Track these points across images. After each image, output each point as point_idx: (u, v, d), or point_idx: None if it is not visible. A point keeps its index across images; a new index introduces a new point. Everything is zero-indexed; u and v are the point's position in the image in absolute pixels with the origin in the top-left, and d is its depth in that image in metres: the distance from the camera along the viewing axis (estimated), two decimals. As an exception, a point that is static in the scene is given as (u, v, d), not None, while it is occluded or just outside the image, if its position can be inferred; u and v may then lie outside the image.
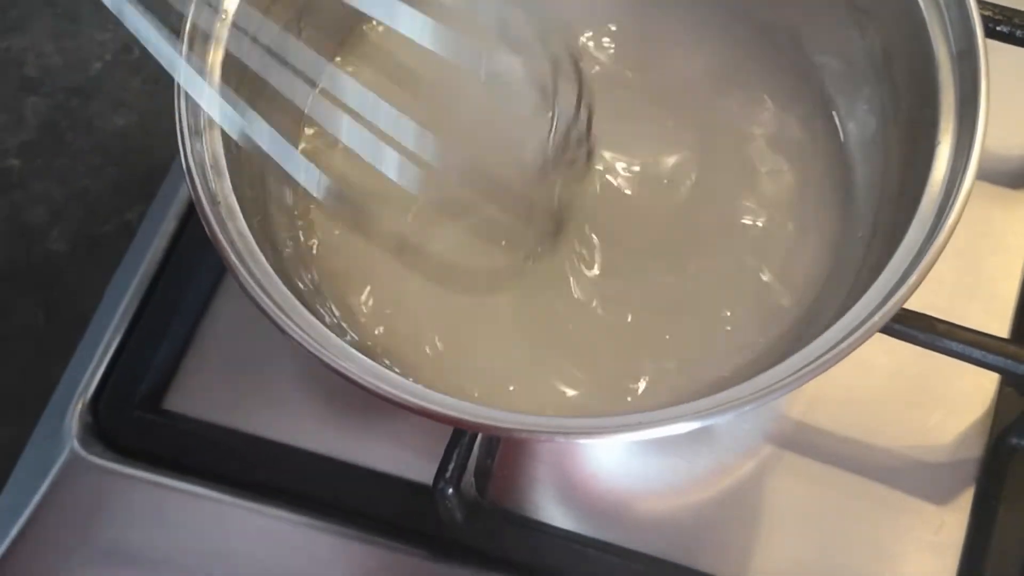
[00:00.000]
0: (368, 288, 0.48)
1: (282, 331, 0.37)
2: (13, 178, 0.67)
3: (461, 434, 0.44)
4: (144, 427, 0.50)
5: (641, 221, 0.49)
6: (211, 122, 0.41)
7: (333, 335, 0.37)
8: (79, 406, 0.50)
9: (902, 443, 0.48)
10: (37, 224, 0.66)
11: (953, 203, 0.37)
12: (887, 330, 0.43)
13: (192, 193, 0.39)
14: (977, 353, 0.43)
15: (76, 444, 0.49)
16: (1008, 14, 0.49)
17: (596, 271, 0.47)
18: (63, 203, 0.66)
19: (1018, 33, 0.49)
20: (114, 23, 0.70)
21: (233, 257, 0.38)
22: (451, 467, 0.43)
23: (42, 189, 0.66)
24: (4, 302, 0.64)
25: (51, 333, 0.63)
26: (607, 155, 0.49)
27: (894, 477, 0.48)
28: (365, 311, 0.47)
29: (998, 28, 0.49)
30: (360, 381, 0.36)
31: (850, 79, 0.47)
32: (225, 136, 0.41)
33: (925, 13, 0.42)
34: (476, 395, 0.44)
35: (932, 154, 0.39)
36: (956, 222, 0.37)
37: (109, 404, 0.50)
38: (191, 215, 0.54)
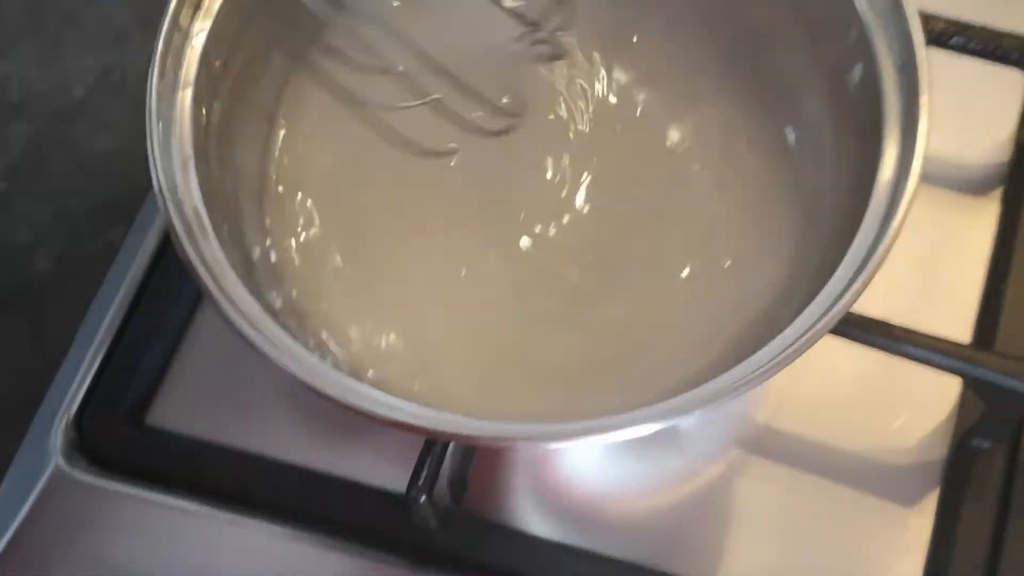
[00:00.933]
0: (344, 302, 0.49)
1: (256, 349, 0.38)
2: (-2, 200, 0.68)
3: (432, 443, 0.45)
4: (128, 442, 0.51)
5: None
6: (182, 142, 0.42)
7: (303, 349, 0.38)
8: (63, 422, 0.51)
9: (868, 446, 0.49)
10: (22, 245, 0.67)
11: (895, 210, 0.38)
12: (845, 334, 0.44)
13: (163, 214, 0.40)
14: (935, 357, 0.45)
15: (60, 460, 0.50)
16: (961, 27, 0.51)
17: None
18: (47, 224, 0.67)
19: (971, 45, 0.51)
20: (97, 47, 0.72)
21: (205, 276, 0.39)
22: (423, 475, 0.44)
23: (26, 211, 0.67)
24: (-10, 322, 0.66)
25: (36, 351, 0.64)
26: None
27: (860, 480, 0.49)
28: (341, 326, 0.48)
29: (952, 41, 0.51)
30: (328, 393, 0.37)
31: (802, 92, 0.48)
32: (198, 158, 0.42)
33: (870, 27, 0.43)
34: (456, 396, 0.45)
35: (878, 162, 0.40)
36: (898, 229, 0.38)
37: (93, 420, 0.51)
38: (171, 234, 0.55)
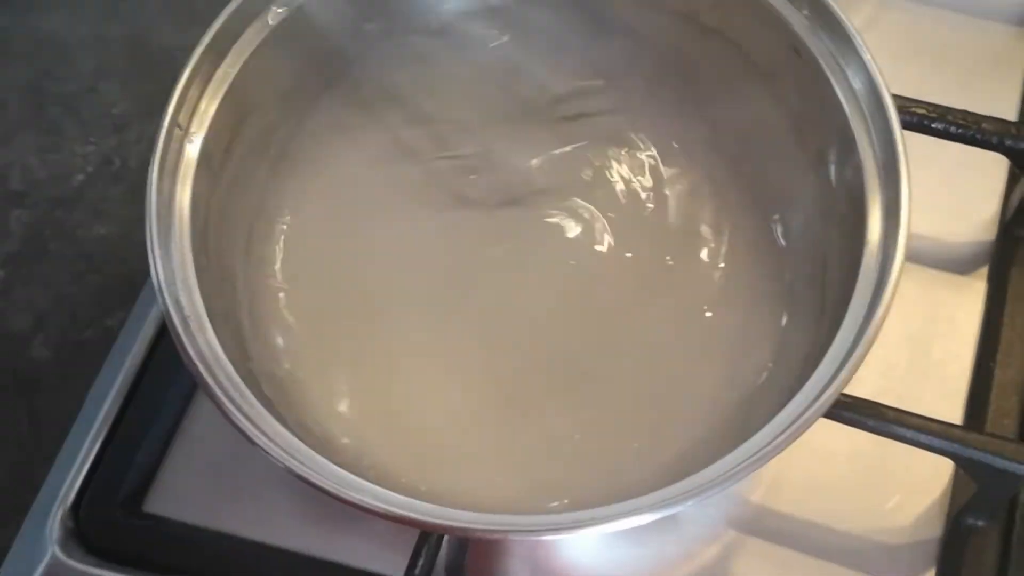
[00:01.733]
0: (342, 389, 0.49)
1: (252, 442, 0.39)
2: (-2, 287, 0.69)
3: (428, 532, 0.45)
4: (125, 530, 0.51)
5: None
6: (181, 237, 0.43)
7: (300, 442, 0.39)
8: (60, 511, 0.50)
9: (863, 526, 0.50)
10: (21, 331, 0.67)
11: (879, 302, 0.39)
12: (837, 417, 0.45)
13: (163, 309, 0.41)
14: (926, 438, 0.45)
15: (57, 549, 0.49)
16: (941, 111, 0.52)
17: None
18: (46, 310, 0.67)
19: (952, 129, 0.52)
20: (96, 136, 0.73)
21: (202, 369, 0.40)
22: (420, 563, 0.44)
23: (26, 297, 0.68)
24: (-13, 409, 0.66)
25: (33, 438, 0.64)
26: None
27: (856, 560, 0.49)
28: (338, 412, 0.49)
29: (933, 125, 0.52)
30: (323, 486, 0.38)
31: (792, 187, 0.49)
32: (195, 249, 0.43)
33: (852, 124, 0.44)
34: (460, 489, 0.46)
35: (861, 253, 0.41)
36: (885, 312, 0.39)
37: (90, 508, 0.51)
38: (170, 320, 0.55)
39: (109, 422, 0.53)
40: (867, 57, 0.44)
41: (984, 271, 0.56)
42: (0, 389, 0.66)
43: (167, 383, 0.54)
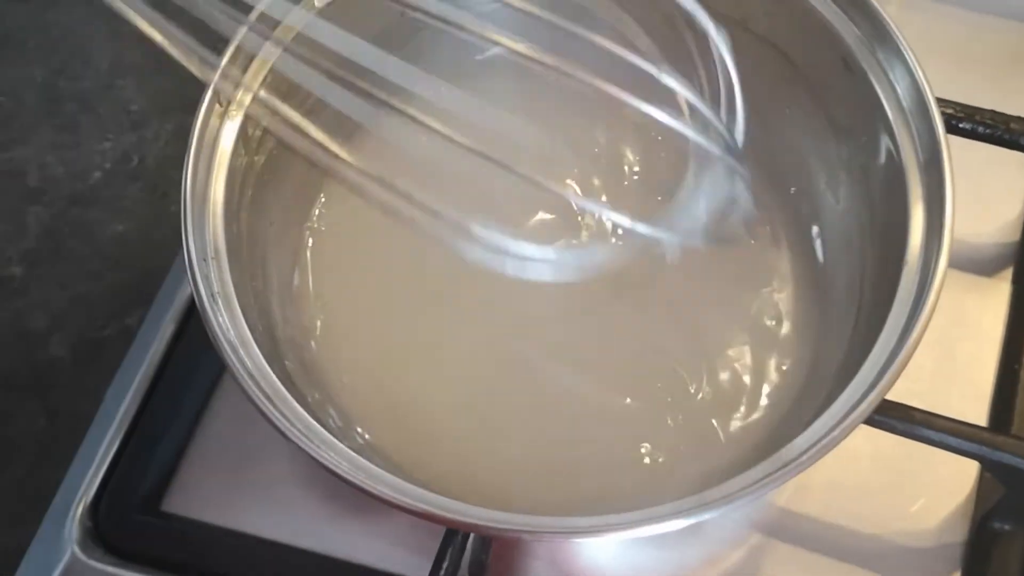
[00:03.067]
0: (364, 380, 0.49)
1: (275, 428, 0.38)
2: (15, 285, 0.68)
3: (454, 532, 0.45)
4: (143, 530, 0.51)
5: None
6: (215, 211, 0.42)
7: (325, 431, 0.38)
8: (79, 510, 0.50)
9: (888, 529, 0.49)
10: (38, 330, 0.67)
11: (923, 307, 0.39)
12: (867, 420, 0.44)
13: (193, 287, 0.40)
14: (953, 441, 0.45)
15: (76, 549, 0.49)
16: (969, 111, 0.51)
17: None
18: (64, 309, 0.67)
19: (979, 129, 0.51)
20: (114, 133, 0.73)
21: (229, 351, 0.39)
22: (445, 565, 0.44)
23: (43, 296, 0.68)
24: (6, 408, 0.65)
25: (52, 438, 0.64)
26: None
27: (881, 563, 0.49)
28: (366, 406, 0.48)
29: (960, 125, 0.51)
30: (352, 480, 0.37)
31: (831, 196, 0.49)
32: (228, 229, 0.43)
33: (894, 124, 0.44)
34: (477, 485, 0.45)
35: (902, 259, 0.41)
36: (925, 326, 0.39)
37: (109, 508, 0.51)
38: (189, 318, 0.55)
39: (128, 422, 0.53)
40: (914, 65, 0.44)
41: (1008, 272, 0.55)
42: (18, 388, 0.66)
43: (186, 382, 0.54)
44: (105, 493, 0.51)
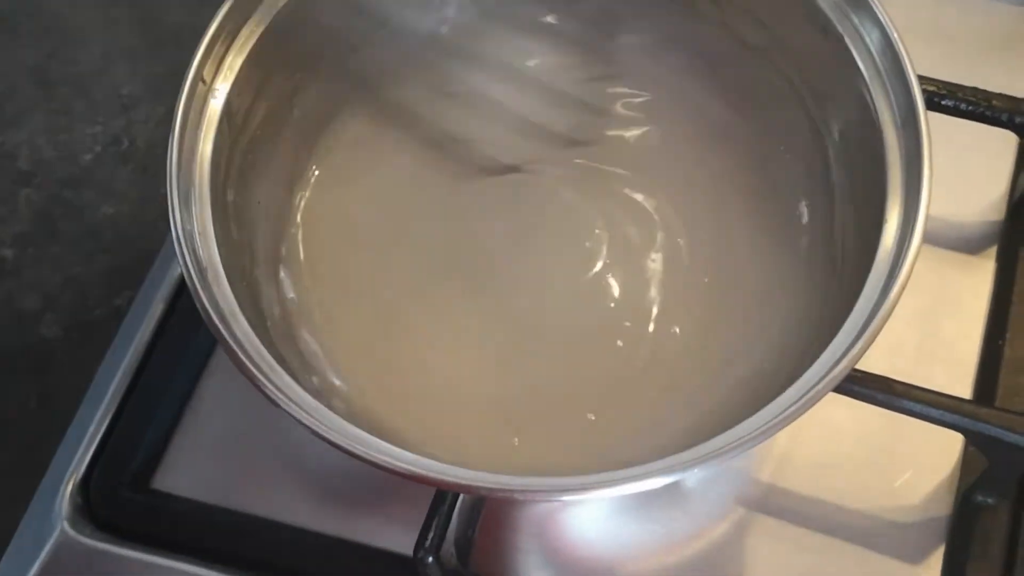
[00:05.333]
0: (355, 353, 0.49)
1: (269, 398, 0.38)
2: (7, 267, 0.68)
3: (440, 503, 0.45)
4: (134, 507, 0.51)
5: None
6: (201, 195, 0.43)
7: (310, 396, 0.39)
8: (69, 487, 0.51)
9: (872, 504, 0.50)
10: (30, 311, 0.67)
11: (899, 270, 0.39)
12: (847, 391, 0.45)
13: (180, 260, 0.41)
14: (935, 412, 0.45)
15: (66, 525, 0.50)
16: (951, 88, 0.52)
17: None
18: (56, 290, 0.67)
19: (962, 106, 0.52)
20: (105, 116, 0.73)
21: (219, 324, 0.40)
22: (431, 536, 0.44)
23: (35, 277, 0.68)
24: (-1, 387, 0.66)
25: (43, 417, 0.64)
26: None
27: (866, 538, 0.49)
28: (350, 376, 0.49)
29: (943, 103, 0.52)
30: (344, 445, 0.37)
31: (814, 164, 0.49)
32: (214, 204, 0.43)
33: (871, 88, 0.44)
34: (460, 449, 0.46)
35: (881, 224, 0.41)
36: (900, 293, 0.39)
37: (99, 485, 0.51)
38: (178, 298, 0.56)
39: (118, 400, 0.53)
40: (888, 27, 0.44)
41: (993, 251, 0.56)
42: (10, 368, 0.66)
43: (176, 361, 0.54)
44: (96, 470, 0.52)
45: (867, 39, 0.45)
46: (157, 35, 0.68)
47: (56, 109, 0.72)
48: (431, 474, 0.36)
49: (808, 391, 0.37)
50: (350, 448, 0.37)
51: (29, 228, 0.69)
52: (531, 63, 0.55)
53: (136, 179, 0.68)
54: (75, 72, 0.73)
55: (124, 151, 0.70)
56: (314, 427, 0.38)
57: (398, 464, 0.37)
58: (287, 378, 0.39)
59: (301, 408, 0.38)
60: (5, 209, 0.69)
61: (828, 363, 0.38)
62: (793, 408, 0.36)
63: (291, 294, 0.50)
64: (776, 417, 0.36)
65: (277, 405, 0.38)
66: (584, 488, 0.36)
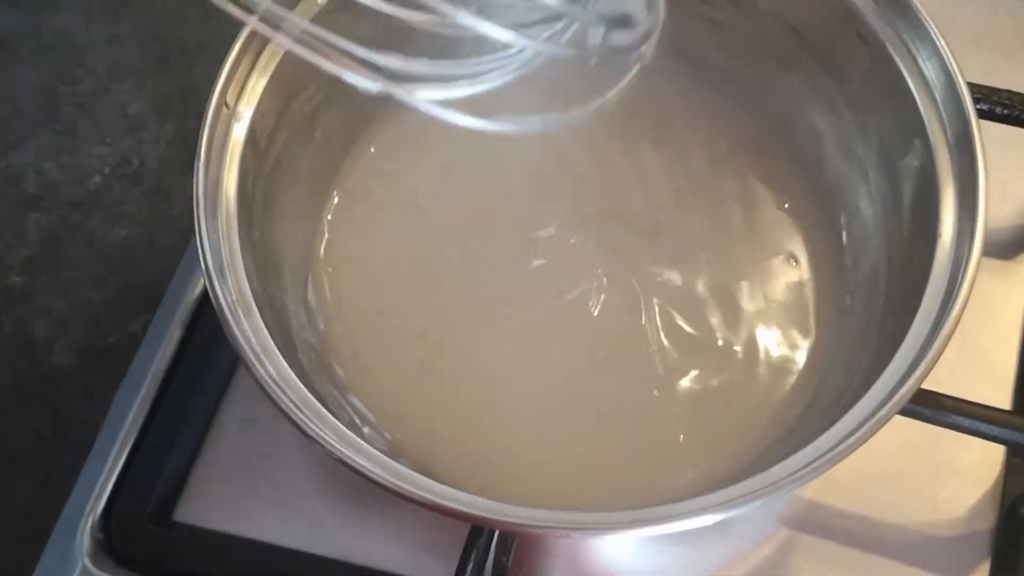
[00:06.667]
0: (385, 382, 0.48)
1: (297, 427, 0.37)
2: (16, 294, 0.67)
3: (478, 534, 0.44)
4: (155, 541, 0.50)
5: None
6: (228, 215, 0.42)
7: (348, 431, 0.38)
8: (89, 523, 0.50)
9: (915, 519, 0.49)
10: (42, 339, 0.66)
11: (959, 291, 0.38)
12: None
13: (212, 296, 0.39)
14: (984, 427, 0.44)
15: (87, 562, 0.49)
16: (987, 92, 0.51)
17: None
18: (67, 316, 0.66)
19: (998, 110, 0.51)
20: (112, 137, 0.71)
21: (249, 353, 0.38)
22: (469, 568, 0.43)
23: (45, 304, 0.67)
24: (12, 418, 0.64)
25: (60, 448, 0.63)
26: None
27: (910, 553, 0.48)
28: (381, 407, 0.47)
29: (979, 106, 0.50)
30: (376, 478, 0.36)
31: (852, 178, 0.48)
32: (241, 234, 0.42)
33: (920, 103, 0.43)
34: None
35: (934, 243, 0.40)
36: (961, 311, 0.38)
37: (119, 520, 0.50)
38: (195, 323, 0.54)
39: (136, 430, 0.52)
40: (941, 43, 0.43)
41: (1026, 256, 0.55)
42: (24, 397, 0.64)
43: (195, 388, 0.53)
44: (115, 504, 0.50)
45: (915, 53, 0.44)
46: (162, 52, 0.67)
47: (62, 130, 0.71)
48: (483, 513, 0.35)
49: (872, 415, 0.36)
50: (394, 487, 0.36)
51: (38, 253, 0.68)
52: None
53: (147, 200, 0.67)
54: (80, 92, 0.72)
55: (133, 172, 0.69)
56: (356, 464, 0.37)
57: (442, 502, 0.36)
58: (321, 410, 0.38)
59: (336, 441, 0.37)
60: (13, 234, 0.67)
61: (890, 383, 0.37)
62: (863, 430, 0.35)
63: (321, 324, 0.48)
64: (839, 443, 0.36)
65: (323, 446, 0.37)
66: (669, 517, 0.35)
